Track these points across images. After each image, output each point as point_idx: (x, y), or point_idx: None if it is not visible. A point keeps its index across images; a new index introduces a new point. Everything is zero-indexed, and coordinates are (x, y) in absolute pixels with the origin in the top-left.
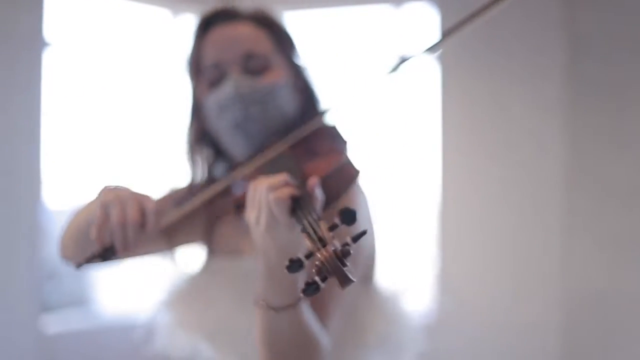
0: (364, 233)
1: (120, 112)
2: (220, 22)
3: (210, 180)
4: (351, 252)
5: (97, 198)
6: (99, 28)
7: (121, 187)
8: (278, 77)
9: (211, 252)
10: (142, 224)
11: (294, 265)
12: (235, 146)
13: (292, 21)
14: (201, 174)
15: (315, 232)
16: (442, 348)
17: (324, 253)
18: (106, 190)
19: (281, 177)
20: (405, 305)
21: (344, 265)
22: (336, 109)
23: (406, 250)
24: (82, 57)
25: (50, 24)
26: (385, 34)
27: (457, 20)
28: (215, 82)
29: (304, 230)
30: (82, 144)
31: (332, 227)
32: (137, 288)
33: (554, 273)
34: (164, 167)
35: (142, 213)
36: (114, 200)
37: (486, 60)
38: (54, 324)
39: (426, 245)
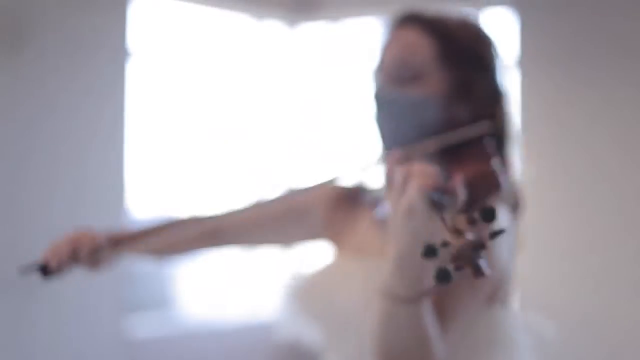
0: (501, 232)
1: (204, 119)
2: (398, 26)
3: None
4: (486, 246)
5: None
6: (182, 36)
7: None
8: (427, 90)
9: (339, 249)
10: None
11: (429, 250)
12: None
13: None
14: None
15: (453, 223)
16: None
17: (460, 242)
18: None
19: (430, 167)
20: (525, 337)
21: (479, 256)
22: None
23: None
24: (165, 66)
25: (133, 34)
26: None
27: (535, 25)
28: (375, 81)
29: (442, 220)
30: (166, 152)
31: (471, 221)
32: (220, 291)
33: None
34: (248, 173)
35: (81, 239)
36: (66, 235)
37: (568, 65)
38: (136, 327)
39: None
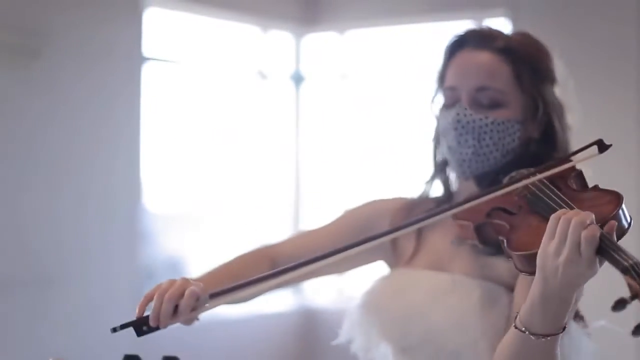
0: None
1: (212, 121)
2: (468, 47)
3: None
4: None
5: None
6: (192, 43)
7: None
8: (509, 114)
9: (408, 259)
10: (176, 305)
11: (619, 306)
12: (452, 168)
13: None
14: (438, 190)
15: (637, 273)
16: None
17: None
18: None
19: (589, 215)
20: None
21: None
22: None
23: None
24: (177, 71)
25: (148, 41)
26: None
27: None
28: (449, 105)
29: (626, 271)
30: (179, 150)
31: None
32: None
33: None
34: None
35: (181, 294)
36: (167, 281)
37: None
38: None
39: None
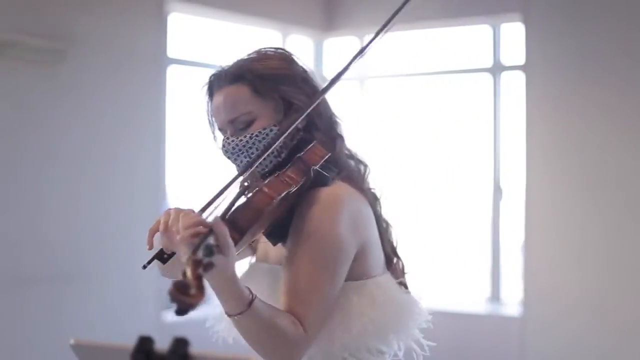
0: (211, 266)
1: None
2: (216, 90)
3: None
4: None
5: None
6: (216, 47)
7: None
8: (262, 123)
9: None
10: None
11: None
12: None
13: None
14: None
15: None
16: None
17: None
18: (166, 209)
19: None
20: (393, 294)
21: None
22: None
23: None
24: (201, 73)
25: (172, 43)
26: (482, 53)
27: (539, 36)
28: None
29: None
30: (202, 151)
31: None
32: None
33: None
34: None
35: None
36: (164, 213)
37: (573, 68)
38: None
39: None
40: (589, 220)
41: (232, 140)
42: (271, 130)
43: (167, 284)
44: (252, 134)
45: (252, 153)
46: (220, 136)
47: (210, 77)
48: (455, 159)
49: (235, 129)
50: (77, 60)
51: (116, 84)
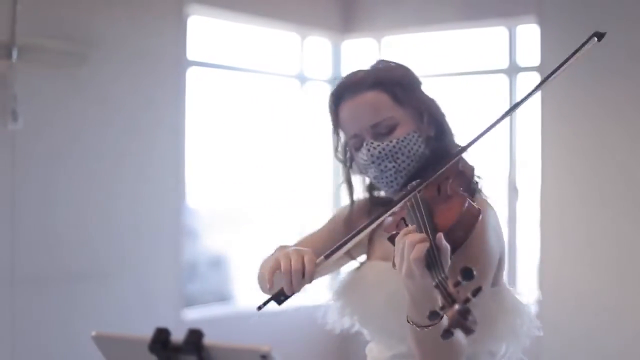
0: (479, 290)
1: (253, 123)
2: (347, 96)
3: (373, 204)
4: (469, 307)
5: (273, 253)
6: (235, 49)
7: (289, 245)
8: (405, 129)
9: (370, 256)
10: (302, 272)
11: (432, 316)
12: (382, 189)
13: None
14: (358, 203)
15: (445, 289)
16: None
17: (451, 312)
18: (279, 248)
19: (419, 236)
20: (523, 299)
21: (467, 319)
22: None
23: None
24: (220, 75)
25: (192, 45)
26: (498, 54)
27: (554, 37)
28: (358, 147)
29: (437, 286)
30: (222, 151)
31: (456, 284)
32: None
33: None
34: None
35: (303, 263)
36: (284, 255)
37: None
38: (196, 314)
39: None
40: (605, 220)
41: (378, 145)
42: (413, 137)
43: (184, 282)
44: (399, 139)
45: (398, 158)
46: (344, 147)
47: (337, 87)
48: (471, 160)
49: (375, 134)
50: (98, 63)
51: (136, 86)
